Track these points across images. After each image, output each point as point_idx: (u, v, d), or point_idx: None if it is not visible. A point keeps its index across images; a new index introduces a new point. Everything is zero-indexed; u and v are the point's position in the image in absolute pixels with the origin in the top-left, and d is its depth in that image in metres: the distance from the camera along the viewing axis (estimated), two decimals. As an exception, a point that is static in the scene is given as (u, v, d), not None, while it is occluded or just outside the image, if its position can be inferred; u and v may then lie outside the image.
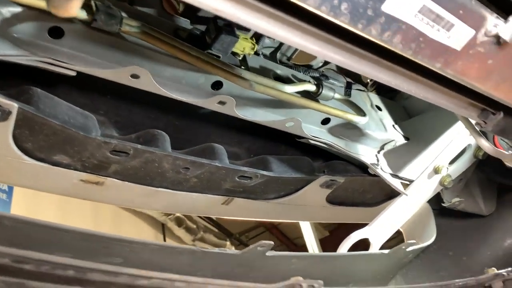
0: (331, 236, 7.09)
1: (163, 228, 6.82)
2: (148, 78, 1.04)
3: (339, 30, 0.68)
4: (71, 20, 0.96)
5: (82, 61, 1.01)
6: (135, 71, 1.02)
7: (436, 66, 0.79)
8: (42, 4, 0.89)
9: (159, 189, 1.32)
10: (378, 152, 1.51)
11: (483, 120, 0.96)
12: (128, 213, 6.18)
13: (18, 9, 0.91)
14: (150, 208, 1.46)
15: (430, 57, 0.77)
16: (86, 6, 0.95)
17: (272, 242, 1.02)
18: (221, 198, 1.44)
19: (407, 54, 0.75)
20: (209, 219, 7.14)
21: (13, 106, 0.94)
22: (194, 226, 6.96)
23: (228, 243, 7.51)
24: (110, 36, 1.01)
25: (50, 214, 4.77)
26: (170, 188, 1.34)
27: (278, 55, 1.56)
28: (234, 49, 1.19)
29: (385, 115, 1.56)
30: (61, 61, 0.98)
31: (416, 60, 0.77)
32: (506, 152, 1.06)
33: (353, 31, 0.67)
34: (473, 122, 1.09)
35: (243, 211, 1.52)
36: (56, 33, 0.97)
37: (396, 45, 0.72)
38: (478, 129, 1.09)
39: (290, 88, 1.22)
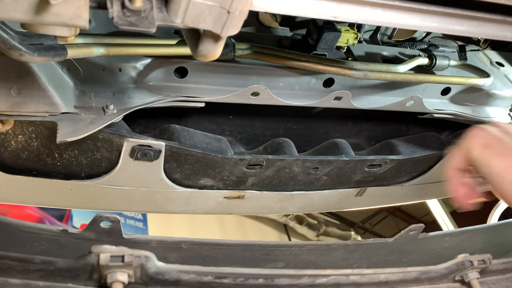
0: (461, 207, 6.65)
1: (286, 229, 6.98)
2: (267, 93, 1.10)
3: None
4: (191, 58, 1.06)
5: (207, 92, 1.11)
6: (255, 89, 1.09)
7: None
8: (166, 51, 1.00)
9: (294, 192, 1.38)
10: (511, 110, 1.40)
11: None
12: (250, 220, 6.45)
13: (148, 60, 1.03)
14: (287, 212, 1.53)
15: None
16: (201, 42, 1.05)
17: (423, 225, 1.02)
18: (353, 190, 1.45)
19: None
20: (328, 212, 7.13)
21: (162, 145, 1.06)
22: (315, 222, 6.99)
23: (352, 233, 7.41)
24: (226, 63, 1.09)
25: (183, 231, 5.18)
26: (304, 190, 1.39)
27: (379, 36, 1.54)
28: (338, 43, 1.21)
29: (509, 70, 1.45)
30: (190, 96, 1.09)
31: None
32: None
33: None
34: None
35: (377, 199, 1.52)
36: (181, 72, 1.08)
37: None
38: None
39: (403, 67, 1.20)
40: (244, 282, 0.63)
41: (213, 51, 0.57)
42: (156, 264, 0.57)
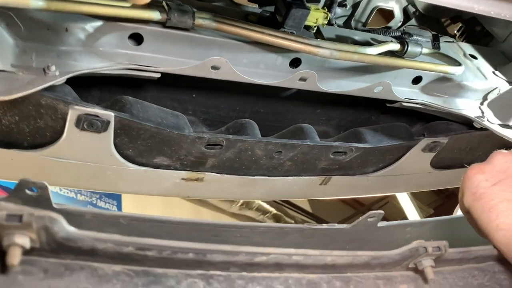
0: (436, 213, 6.75)
1: (262, 227, 6.92)
2: (228, 68, 1.04)
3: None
4: (147, 23, 0.99)
5: (164, 62, 1.04)
6: (214, 63, 1.03)
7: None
8: (119, 12, 0.92)
9: (256, 177, 1.32)
10: (481, 103, 1.37)
11: None
12: (228, 217, 6.39)
13: (99, 23, 0.96)
14: (250, 198, 1.47)
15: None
16: (159, 7, 0.98)
17: (383, 212, 0.96)
18: (318, 178, 1.40)
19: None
20: (306, 213, 7.13)
21: (110, 115, 0.99)
22: (292, 221, 6.98)
23: (329, 233, 7.39)
24: (186, 33, 1.03)
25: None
26: (267, 175, 1.33)
27: (353, 22, 1.49)
28: (307, 22, 1.15)
29: (481, 63, 1.42)
30: (144, 65, 1.02)
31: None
32: None
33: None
34: None
35: (342, 189, 1.47)
36: (136, 39, 1.01)
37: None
38: None
39: (373, 50, 1.15)
40: (171, 256, 0.57)
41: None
42: (65, 228, 0.50)
